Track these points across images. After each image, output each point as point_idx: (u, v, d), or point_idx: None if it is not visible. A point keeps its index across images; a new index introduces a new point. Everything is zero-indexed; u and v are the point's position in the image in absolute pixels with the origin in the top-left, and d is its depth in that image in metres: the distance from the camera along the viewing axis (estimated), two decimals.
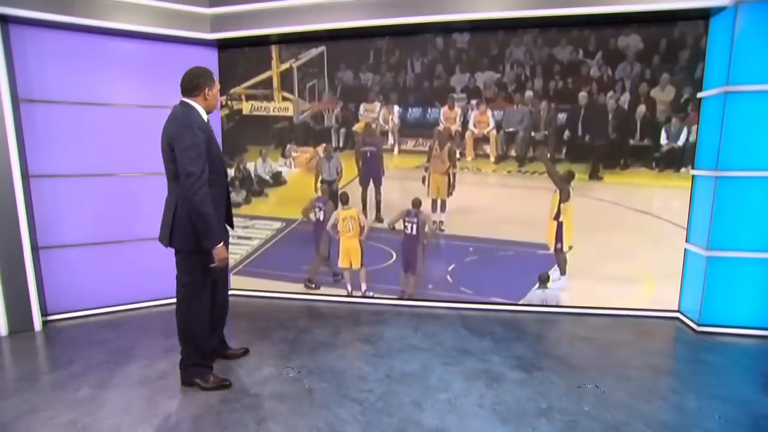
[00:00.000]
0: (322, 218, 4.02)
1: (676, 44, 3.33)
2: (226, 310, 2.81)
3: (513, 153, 3.70)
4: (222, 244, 2.37)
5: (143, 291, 3.87)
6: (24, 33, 3.25)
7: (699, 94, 3.33)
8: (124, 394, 2.46)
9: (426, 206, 3.82)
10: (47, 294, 3.53)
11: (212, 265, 2.38)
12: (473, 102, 3.69)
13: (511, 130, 3.68)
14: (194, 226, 2.31)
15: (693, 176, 3.42)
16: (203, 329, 2.53)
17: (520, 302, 3.75)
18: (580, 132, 3.56)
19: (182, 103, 2.43)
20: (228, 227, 2.66)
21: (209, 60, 3.90)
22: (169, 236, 2.42)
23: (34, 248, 3.41)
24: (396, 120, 3.81)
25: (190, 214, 2.30)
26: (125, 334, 3.30)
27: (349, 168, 3.95)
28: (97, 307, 3.73)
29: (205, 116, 2.43)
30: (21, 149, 3.28)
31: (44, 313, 3.51)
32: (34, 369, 2.79)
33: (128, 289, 3.82)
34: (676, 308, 3.56)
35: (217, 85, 2.48)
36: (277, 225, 4.15)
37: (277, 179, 4.12)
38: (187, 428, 2.15)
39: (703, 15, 3.21)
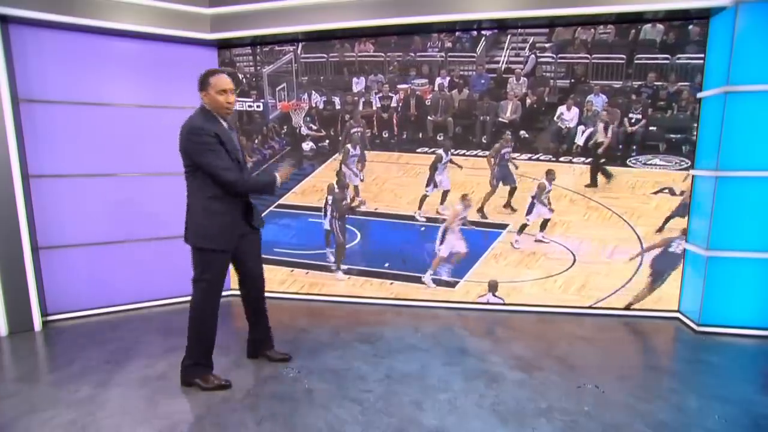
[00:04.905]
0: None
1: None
2: (260, 301, 2.78)
3: None
4: (277, 174, 2.51)
5: (143, 291, 3.88)
6: (24, 33, 3.25)
7: (699, 94, 3.33)
8: (124, 394, 2.46)
9: None
10: (47, 294, 3.53)
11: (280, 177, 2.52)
12: None
13: None
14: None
15: (693, 176, 3.42)
16: (209, 328, 2.53)
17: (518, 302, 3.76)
18: None
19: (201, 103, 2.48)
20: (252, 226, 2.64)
21: (209, 60, 3.91)
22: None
23: (34, 248, 3.40)
24: None
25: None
26: (125, 334, 3.30)
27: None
28: (97, 307, 3.73)
29: (220, 117, 2.43)
30: (21, 149, 3.28)
31: (44, 313, 3.51)
32: (34, 369, 2.79)
33: (128, 289, 3.82)
34: (676, 308, 3.56)
35: (217, 88, 2.36)
36: None
37: None
38: (187, 428, 2.15)
39: (703, 15, 3.21)
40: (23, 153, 3.32)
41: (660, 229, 3.50)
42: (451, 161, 3.78)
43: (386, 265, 3.96)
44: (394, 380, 2.60)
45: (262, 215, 4.09)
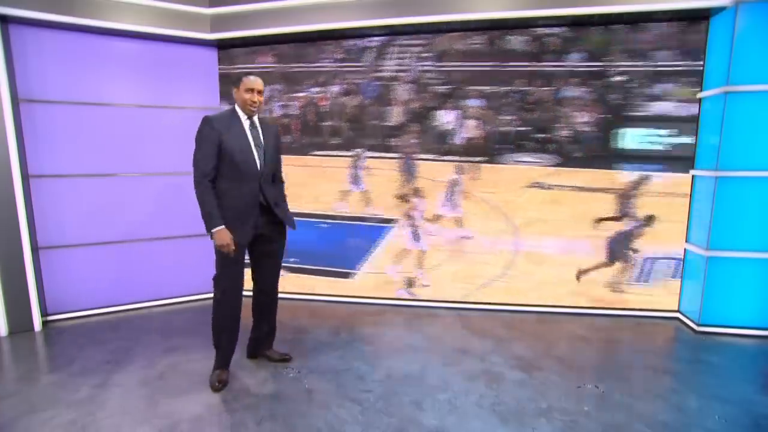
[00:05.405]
0: None
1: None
2: (272, 303, 2.79)
3: None
4: (221, 228, 2.35)
5: (143, 291, 3.88)
6: (24, 33, 3.25)
7: (699, 94, 3.33)
8: (124, 394, 2.46)
9: None
10: (47, 294, 3.53)
11: (217, 248, 2.42)
12: None
13: None
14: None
15: (693, 176, 3.42)
16: (221, 322, 2.54)
17: (519, 302, 3.76)
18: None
19: None
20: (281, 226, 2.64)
21: (209, 60, 3.91)
22: None
23: (34, 248, 3.40)
24: None
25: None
26: (125, 334, 3.30)
27: None
28: (97, 307, 3.73)
29: (243, 115, 2.48)
30: (21, 149, 3.28)
31: (44, 313, 3.51)
32: (34, 369, 2.79)
33: (128, 289, 3.82)
34: (676, 308, 3.57)
35: (246, 86, 2.43)
36: None
37: None
38: (187, 428, 2.15)
39: (703, 15, 3.21)
40: (23, 153, 3.32)
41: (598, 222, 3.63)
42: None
43: (292, 260, 4.10)
44: (394, 380, 2.60)
45: None
